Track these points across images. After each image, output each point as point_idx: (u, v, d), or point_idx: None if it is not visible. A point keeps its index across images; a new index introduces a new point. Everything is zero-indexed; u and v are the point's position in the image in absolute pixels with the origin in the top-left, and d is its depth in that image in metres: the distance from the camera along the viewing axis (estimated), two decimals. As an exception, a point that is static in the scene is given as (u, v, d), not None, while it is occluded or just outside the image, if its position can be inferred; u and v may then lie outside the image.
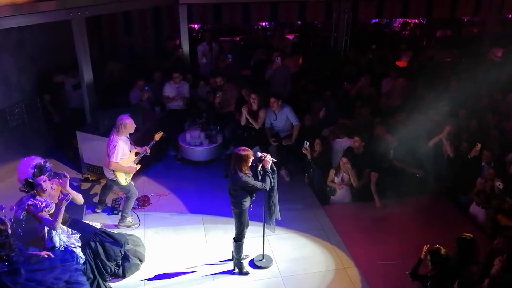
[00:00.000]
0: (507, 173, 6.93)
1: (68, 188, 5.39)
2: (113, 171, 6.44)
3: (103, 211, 7.18)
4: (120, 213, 6.87)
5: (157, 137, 6.81)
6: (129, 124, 6.45)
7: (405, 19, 14.45)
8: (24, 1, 6.81)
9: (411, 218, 6.94)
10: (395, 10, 11.14)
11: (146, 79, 8.97)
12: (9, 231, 4.41)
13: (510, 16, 14.43)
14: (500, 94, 9.27)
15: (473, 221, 6.80)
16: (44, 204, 5.13)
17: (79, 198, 5.55)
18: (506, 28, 14.95)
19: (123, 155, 6.47)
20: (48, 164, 5.25)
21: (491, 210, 6.46)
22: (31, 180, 5.10)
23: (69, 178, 5.39)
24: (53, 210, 5.19)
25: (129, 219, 6.88)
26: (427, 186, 7.50)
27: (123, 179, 6.55)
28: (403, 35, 14.80)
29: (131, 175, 6.70)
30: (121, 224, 6.78)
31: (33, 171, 5.09)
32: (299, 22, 13.39)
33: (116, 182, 6.61)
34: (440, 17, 12.28)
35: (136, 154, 6.71)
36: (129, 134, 6.65)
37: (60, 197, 5.08)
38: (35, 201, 5.10)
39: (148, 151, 6.73)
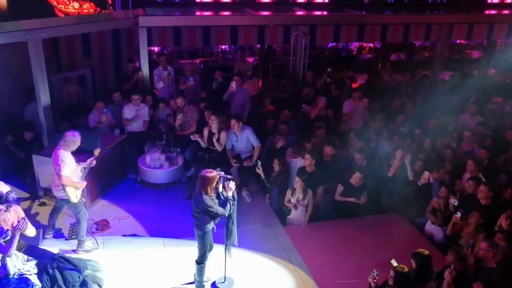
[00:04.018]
0: (463, 191, 7.22)
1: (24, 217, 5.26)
2: (64, 187, 6.28)
3: (60, 236, 6.97)
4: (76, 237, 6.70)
5: (96, 152, 6.74)
6: (77, 140, 6.35)
7: (360, 43, 15.01)
8: (-22, 22, 6.70)
9: (369, 236, 7.12)
10: (351, 34, 11.54)
11: (105, 100, 8.87)
12: None
13: (458, 41, 15.26)
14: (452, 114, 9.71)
15: (430, 239, 7.03)
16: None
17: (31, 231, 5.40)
18: (454, 52, 15.83)
19: (71, 171, 6.33)
20: (11, 195, 5.10)
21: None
22: None
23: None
24: (8, 239, 5.04)
25: (88, 243, 6.72)
26: (384, 205, 7.73)
27: (74, 196, 6.38)
28: (359, 58, 15.35)
29: (81, 191, 6.54)
30: (79, 249, 6.60)
31: None
32: (258, 46, 13.65)
33: (67, 201, 6.44)
34: (393, 41, 12.81)
35: (81, 170, 6.59)
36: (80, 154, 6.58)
37: (13, 225, 4.93)
38: None
39: (93, 163, 6.63)
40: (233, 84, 9.32)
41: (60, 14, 7.77)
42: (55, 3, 7.66)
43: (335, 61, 14.41)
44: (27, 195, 7.98)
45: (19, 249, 5.24)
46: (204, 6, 11.43)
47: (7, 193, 5.14)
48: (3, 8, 6.91)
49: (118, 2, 9.03)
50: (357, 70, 13.53)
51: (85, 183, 6.58)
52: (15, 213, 5.21)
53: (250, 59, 13.45)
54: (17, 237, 4.89)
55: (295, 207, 7.35)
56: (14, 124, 8.48)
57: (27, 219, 5.22)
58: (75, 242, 6.73)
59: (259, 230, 7.24)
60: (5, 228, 5.03)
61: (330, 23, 11.26)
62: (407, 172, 7.51)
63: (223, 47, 14.02)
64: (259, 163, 7.56)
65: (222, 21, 10.64)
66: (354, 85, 11.99)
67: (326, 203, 7.74)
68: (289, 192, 7.44)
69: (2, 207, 5.02)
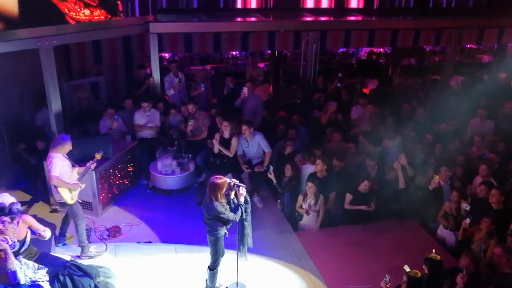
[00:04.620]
0: (475, 195, 7.15)
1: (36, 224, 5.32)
2: (56, 188, 6.33)
3: (72, 242, 6.97)
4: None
5: (98, 156, 6.72)
6: (67, 145, 6.44)
7: (371, 48, 14.95)
8: (-9, 29, 6.76)
9: (381, 241, 7.07)
10: (361, 40, 11.50)
11: (117, 107, 8.91)
12: None
13: (468, 46, 15.14)
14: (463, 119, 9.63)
15: (442, 244, 6.95)
16: (5, 242, 4.97)
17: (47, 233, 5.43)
18: (464, 57, 15.71)
19: (63, 172, 6.38)
20: (15, 206, 5.10)
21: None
22: None
23: None
24: (16, 249, 5.05)
25: (91, 249, 6.74)
26: (395, 210, 7.65)
27: (69, 197, 6.42)
28: (369, 63, 15.28)
29: (77, 193, 6.57)
30: (83, 255, 6.62)
31: None
32: (269, 51, 13.66)
33: (64, 204, 6.48)
34: (404, 46, 12.76)
35: (78, 173, 6.63)
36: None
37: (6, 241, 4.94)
38: None
39: (93, 166, 6.65)
40: (245, 90, 9.32)
41: (71, 21, 7.83)
42: (66, 10, 7.72)
43: (346, 67, 14.37)
44: (38, 201, 8.01)
45: (31, 257, 5.26)
46: (214, 12, 11.46)
47: (10, 204, 5.13)
48: (15, 15, 6.98)
49: (129, 9, 9.09)
50: (368, 75, 13.47)
51: (82, 185, 6.61)
52: (24, 224, 5.22)
53: (261, 65, 13.45)
54: (9, 251, 4.86)
55: (307, 212, 7.30)
56: (25, 132, 8.54)
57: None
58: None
59: (271, 236, 7.20)
60: (10, 240, 5.03)
61: (340, 28, 11.24)
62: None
63: (234, 53, 14.02)
64: (271, 168, 7.53)
65: (233, 27, 10.64)
66: (365, 90, 11.94)
67: (338, 208, 7.68)
68: (300, 197, 7.41)
69: (7, 218, 5.02)
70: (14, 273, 4.95)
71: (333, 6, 12.67)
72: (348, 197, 7.41)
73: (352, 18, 11.84)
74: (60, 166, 6.32)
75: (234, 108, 9.65)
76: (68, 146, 6.43)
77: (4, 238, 4.93)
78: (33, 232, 5.31)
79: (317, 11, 12.25)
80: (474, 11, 13.34)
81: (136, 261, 6.59)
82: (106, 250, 6.84)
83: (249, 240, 5.88)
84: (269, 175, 7.58)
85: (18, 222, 5.12)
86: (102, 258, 6.63)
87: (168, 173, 8.32)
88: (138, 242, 7.06)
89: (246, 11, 11.67)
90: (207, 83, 10.65)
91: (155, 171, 8.40)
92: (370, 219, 7.38)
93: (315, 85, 10.88)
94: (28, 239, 5.21)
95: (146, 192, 8.55)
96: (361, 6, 12.87)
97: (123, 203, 8.11)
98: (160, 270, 6.42)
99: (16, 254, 5.06)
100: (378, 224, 7.42)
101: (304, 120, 9.33)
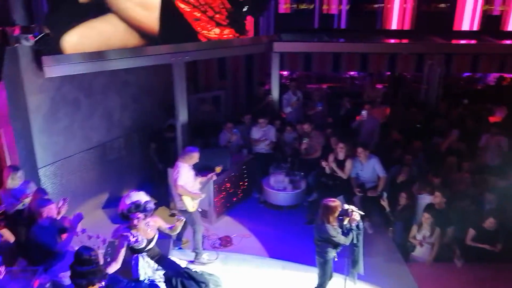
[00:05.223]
0: None
1: (165, 226, 5.72)
2: (180, 196, 6.69)
3: (187, 247, 7.37)
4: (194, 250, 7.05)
5: (218, 169, 7.10)
6: (195, 157, 6.81)
7: (500, 74, 13.87)
8: (134, 45, 7.46)
9: (506, 286, 6.44)
10: (491, 64, 10.74)
11: (236, 121, 9.30)
12: (101, 260, 4.57)
13: None
14: None
15: None
16: (134, 239, 5.38)
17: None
18: None
19: (187, 181, 6.73)
20: (149, 205, 5.48)
21: None
22: (126, 213, 5.41)
23: None
24: (142, 246, 5.45)
25: (204, 255, 7.03)
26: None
27: (190, 205, 6.76)
28: (498, 89, 14.16)
29: (198, 202, 6.90)
30: (196, 260, 6.93)
31: (129, 206, 5.37)
32: (388, 73, 13.31)
33: (184, 212, 6.81)
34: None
35: (200, 183, 6.99)
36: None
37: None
38: (128, 233, 5.37)
39: (213, 178, 7.11)
40: (364, 113, 9.18)
41: (203, 39, 8.36)
42: (199, 28, 8.25)
43: (471, 92, 13.46)
44: (159, 205, 8.59)
45: (152, 257, 5.64)
46: (333, 33, 11.49)
47: (145, 202, 5.54)
48: (155, 33, 7.63)
49: (255, 28, 9.45)
50: (496, 103, 12.48)
51: (202, 195, 6.95)
52: (154, 224, 5.63)
53: (379, 86, 13.15)
54: (122, 252, 5.21)
55: (421, 244, 6.93)
56: (156, 133, 9.24)
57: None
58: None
59: (380, 264, 6.93)
60: (140, 237, 5.44)
61: (468, 52, 10.60)
62: None
63: (352, 72, 13.90)
64: (385, 195, 7.31)
65: (354, 48, 10.57)
66: (492, 119, 11.07)
67: (456, 243, 7.18)
68: (415, 228, 7.06)
69: (141, 215, 5.44)
70: (136, 268, 5.37)
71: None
72: (471, 232, 6.89)
73: (483, 42, 11.05)
74: (185, 176, 6.71)
75: (350, 129, 9.54)
76: (195, 158, 6.81)
77: (136, 234, 5.37)
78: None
79: (448, 33, 11.57)
80: None
81: (244, 273, 6.75)
82: (217, 258, 7.11)
83: (360, 266, 5.74)
84: (382, 202, 7.36)
85: (149, 222, 5.54)
86: (213, 266, 6.88)
87: (280, 189, 8.46)
88: (247, 254, 7.24)
89: (367, 32, 11.49)
90: (323, 102, 10.68)
91: (267, 186, 8.59)
92: (494, 259, 6.77)
93: (437, 110, 10.37)
94: (155, 239, 5.60)
95: (258, 205, 8.77)
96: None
97: (235, 214, 8.39)
98: (267, 285, 6.50)
99: (141, 251, 5.47)
100: (503, 265, 6.78)
101: (423, 146, 8.90)
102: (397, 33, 11.37)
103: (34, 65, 6.69)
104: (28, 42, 5.17)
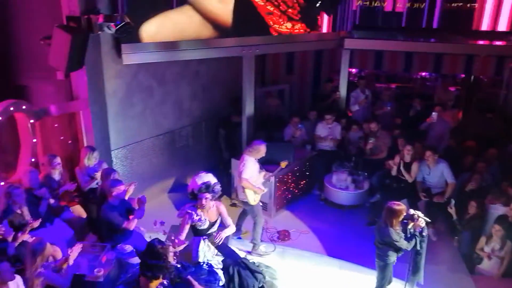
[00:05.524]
0: None
1: (226, 215, 5.89)
2: (243, 189, 6.76)
3: (246, 238, 7.47)
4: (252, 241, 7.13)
5: (283, 164, 7.08)
6: (262, 150, 6.85)
7: None
8: (207, 36, 7.64)
9: None
10: None
11: (301, 117, 9.29)
12: (170, 255, 4.51)
13: None
14: None
15: None
16: (198, 218, 5.58)
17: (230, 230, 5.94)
18: None
19: (252, 175, 6.78)
20: (217, 186, 5.71)
21: None
22: (196, 193, 5.60)
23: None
24: (204, 227, 5.61)
25: (262, 247, 7.10)
26: None
27: (252, 198, 6.83)
28: None
29: (259, 196, 6.95)
30: (254, 252, 7.02)
31: (200, 186, 5.60)
32: (462, 75, 12.72)
33: (246, 203, 6.91)
34: None
35: (264, 177, 7.02)
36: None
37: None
38: (193, 211, 5.58)
39: (272, 179, 7.11)
40: (434, 115, 8.84)
41: (274, 33, 8.40)
42: (271, 22, 8.30)
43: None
44: (221, 195, 8.76)
45: (214, 242, 5.80)
46: (406, 32, 11.12)
47: (214, 184, 5.73)
48: (228, 25, 7.76)
49: (326, 24, 9.36)
50: None
51: (264, 189, 7.00)
52: (218, 209, 5.79)
53: (452, 89, 12.60)
54: (186, 227, 5.53)
55: (489, 257, 6.61)
56: (225, 119, 9.44)
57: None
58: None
59: (443, 274, 6.70)
60: (203, 217, 5.62)
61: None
62: None
63: (423, 73, 13.41)
64: (453, 202, 7.02)
65: (428, 48, 10.17)
66: None
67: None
68: (483, 239, 6.73)
69: (209, 196, 5.63)
70: (197, 249, 5.49)
71: None
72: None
73: None
74: (251, 170, 6.79)
75: (419, 131, 9.24)
76: (262, 152, 6.88)
77: (200, 213, 5.55)
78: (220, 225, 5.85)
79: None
80: None
81: (301, 269, 6.76)
82: (274, 251, 7.17)
83: (420, 275, 5.58)
84: (449, 209, 7.07)
85: (214, 205, 5.72)
86: (269, 258, 6.95)
87: (342, 188, 8.36)
88: (304, 250, 7.24)
89: (444, 32, 11.02)
90: (393, 102, 10.40)
91: (329, 184, 8.52)
92: None
93: (517, 117, 9.78)
94: (217, 224, 5.76)
95: (318, 203, 8.73)
96: None
97: (295, 209, 8.40)
98: (323, 283, 6.48)
99: (203, 233, 5.64)
100: None
101: (498, 154, 8.45)
102: (488, 34, 10.77)
103: (113, 52, 7.03)
104: (110, 30, 5.41)
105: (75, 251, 5.17)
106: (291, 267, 6.80)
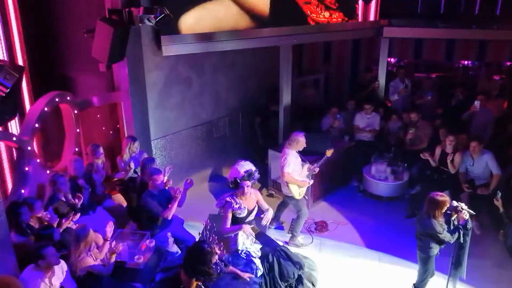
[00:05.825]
0: None
1: (263, 201, 5.90)
2: (287, 184, 6.70)
3: (281, 228, 7.48)
4: (291, 231, 7.13)
5: (329, 153, 6.94)
6: (301, 141, 6.75)
7: None
8: (244, 27, 7.63)
9: None
10: None
11: (339, 107, 9.17)
12: (214, 259, 4.54)
13: None
14: None
15: None
16: (237, 206, 5.62)
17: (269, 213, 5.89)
18: None
19: (294, 169, 6.71)
20: (256, 174, 5.76)
21: None
22: (238, 181, 5.65)
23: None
24: (243, 215, 5.65)
25: (299, 239, 7.07)
26: None
27: (297, 192, 6.77)
28: None
29: (305, 189, 6.89)
30: (291, 242, 7.00)
31: (243, 174, 5.64)
32: (508, 63, 12.24)
33: (290, 198, 6.87)
34: None
35: (308, 169, 6.91)
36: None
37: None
38: (232, 200, 5.63)
39: (317, 170, 6.94)
40: (477, 104, 8.55)
41: (311, 22, 8.31)
42: (308, 12, 8.21)
43: None
44: (258, 184, 8.79)
45: (255, 229, 5.83)
46: (448, 19, 10.76)
47: (254, 171, 5.78)
48: (265, 16, 7.72)
49: (364, 12, 9.18)
50: None
51: (310, 182, 6.92)
52: (255, 197, 5.82)
53: (496, 77, 12.15)
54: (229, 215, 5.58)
55: (537, 252, 6.39)
56: (261, 107, 9.45)
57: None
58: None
59: (487, 268, 6.49)
60: (242, 205, 5.65)
61: None
62: None
63: (465, 62, 12.98)
64: (499, 194, 6.77)
65: (471, 35, 9.81)
66: None
67: None
68: (531, 233, 6.51)
69: (250, 183, 5.67)
70: (235, 239, 5.54)
71: None
72: None
73: None
74: (293, 164, 6.72)
75: (461, 121, 8.97)
76: (302, 143, 6.79)
77: (239, 201, 5.60)
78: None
79: None
80: None
81: (339, 260, 6.72)
82: (311, 242, 7.15)
83: (463, 270, 5.44)
84: (496, 202, 6.82)
85: (251, 193, 5.75)
86: (307, 249, 6.93)
87: (381, 179, 8.24)
88: (342, 242, 7.18)
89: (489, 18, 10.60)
90: (434, 92, 10.13)
91: (368, 175, 8.41)
92: None
93: None
94: (255, 212, 5.79)
95: (356, 194, 8.64)
96: None
97: (333, 201, 8.33)
98: (362, 275, 6.41)
99: (242, 221, 5.67)
100: None
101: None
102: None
103: (153, 44, 7.14)
104: (150, 22, 5.46)
105: (119, 245, 5.25)
106: (329, 258, 6.77)
